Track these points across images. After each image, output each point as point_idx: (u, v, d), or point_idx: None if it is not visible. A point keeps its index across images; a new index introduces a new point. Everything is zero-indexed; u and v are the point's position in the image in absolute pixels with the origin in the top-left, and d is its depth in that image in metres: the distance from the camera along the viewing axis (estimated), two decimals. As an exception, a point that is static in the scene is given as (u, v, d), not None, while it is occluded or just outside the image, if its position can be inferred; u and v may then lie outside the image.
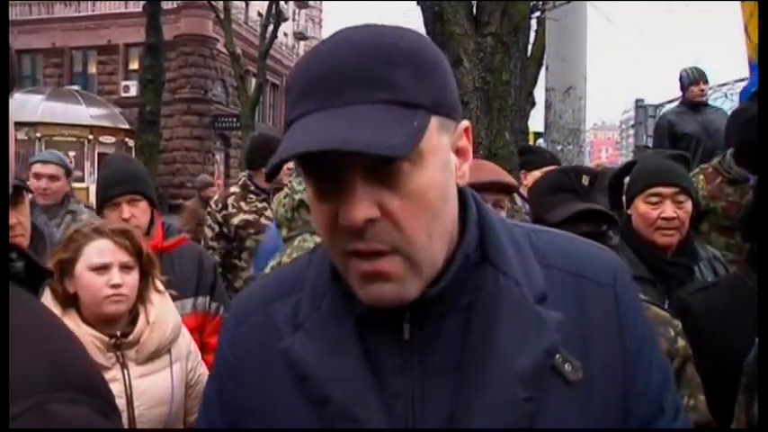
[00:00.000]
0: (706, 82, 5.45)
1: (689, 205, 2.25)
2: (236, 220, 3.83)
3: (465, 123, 0.87)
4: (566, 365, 0.83)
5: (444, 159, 0.82)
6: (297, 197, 2.01)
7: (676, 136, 5.25)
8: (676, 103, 8.45)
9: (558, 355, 0.83)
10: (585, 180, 1.88)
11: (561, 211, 1.81)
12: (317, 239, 1.90)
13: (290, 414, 0.85)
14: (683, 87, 5.45)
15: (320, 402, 0.83)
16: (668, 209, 2.21)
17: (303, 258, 0.99)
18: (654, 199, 2.24)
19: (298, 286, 0.93)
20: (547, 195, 1.89)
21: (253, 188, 3.91)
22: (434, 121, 0.79)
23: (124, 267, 1.93)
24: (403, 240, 0.78)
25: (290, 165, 4.00)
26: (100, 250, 1.91)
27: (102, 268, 1.90)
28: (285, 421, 0.86)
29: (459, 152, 0.85)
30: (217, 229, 3.87)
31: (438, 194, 0.80)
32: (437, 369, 0.84)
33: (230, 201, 3.90)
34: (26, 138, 19.71)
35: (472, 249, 0.87)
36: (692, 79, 5.36)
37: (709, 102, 5.69)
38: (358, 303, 0.84)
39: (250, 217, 3.83)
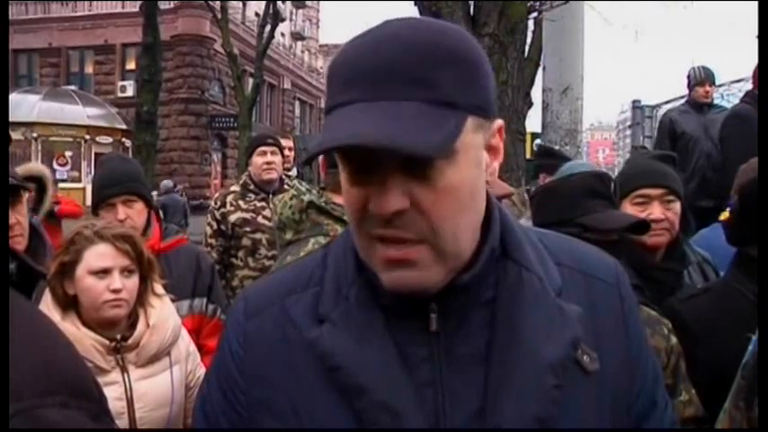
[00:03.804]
0: (712, 84, 5.37)
1: (677, 206, 2.20)
2: (233, 218, 3.85)
3: (499, 122, 0.88)
4: (584, 356, 0.87)
5: (477, 158, 0.84)
6: (306, 198, 1.98)
7: (675, 134, 5.24)
8: (673, 103, 8.45)
9: (579, 347, 0.87)
10: (612, 186, 1.87)
11: (605, 217, 1.78)
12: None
13: (318, 407, 0.85)
14: (689, 86, 5.43)
15: (354, 393, 0.83)
16: (656, 210, 2.16)
17: (316, 253, 1.00)
18: (641, 200, 2.19)
19: (313, 280, 0.93)
20: (577, 198, 1.83)
21: (252, 187, 3.93)
22: (471, 120, 0.81)
23: (125, 272, 1.93)
24: (430, 231, 0.81)
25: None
26: (101, 255, 1.91)
27: (103, 272, 1.90)
28: (313, 414, 0.85)
29: (490, 150, 0.87)
30: (215, 226, 3.90)
31: (468, 191, 0.83)
32: (463, 360, 0.85)
33: (229, 199, 3.92)
34: (22, 138, 19.62)
35: (496, 244, 0.89)
36: (699, 80, 5.31)
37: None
38: (385, 294, 0.86)
39: (247, 215, 3.85)
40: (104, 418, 0.69)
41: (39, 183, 4.11)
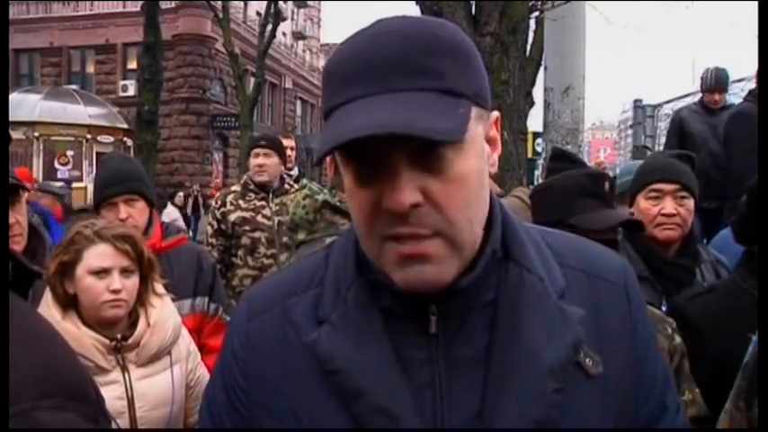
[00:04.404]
0: (722, 92, 5.29)
1: (690, 203, 2.23)
2: (232, 217, 3.89)
3: (496, 114, 0.89)
4: (587, 360, 0.86)
5: (481, 147, 0.84)
6: (320, 198, 1.97)
7: (684, 134, 5.22)
8: (674, 103, 8.43)
9: (580, 350, 0.85)
10: (606, 185, 1.83)
11: (595, 217, 1.75)
12: None
13: (316, 410, 0.84)
14: (702, 88, 5.40)
15: (352, 396, 0.83)
16: (668, 205, 2.19)
17: (318, 254, 0.99)
18: (654, 195, 2.23)
19: (315, 282, 0.92)
20: (569, 198, 1.82)
21: (252, 187, 3.96)
22: (474, 110, 0.82)
23: (124, 272, 1.93)
24: (445, 223, 0.80)
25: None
26: (100, 255, 1.90)
27: (103, 272, 1.90)
28: (312, 417, 0.84)
29: (490, 141, 0.88)
30: (215, 225, 3.94)
31: (476, 180, 0.82)
32: (462, 363, 0.84)
33: (229, 198, 3.96)
34: (24, 137, 19.63)
35: (498, 245, 0.88)
36: (709, 87, 5.27)
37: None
38: (384, 296, 0.86)
39: (246, 214, 3.89)
40: (101, 419, 0.69)
41: None
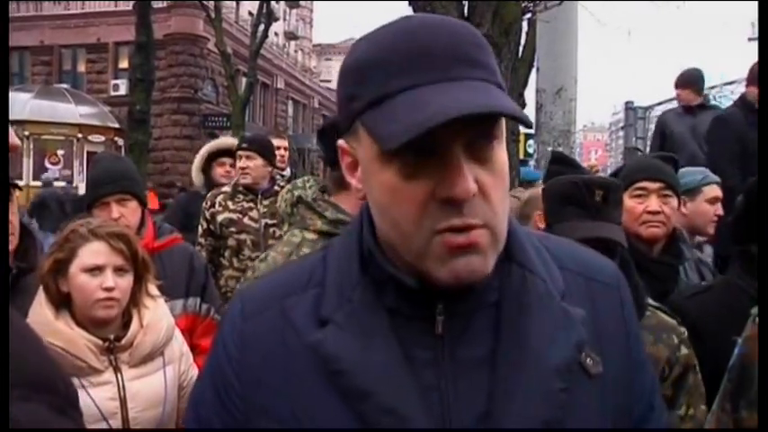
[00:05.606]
0: (690, 86, 5.29)
1: (674, 202, 2.29)
2: (220, 218, 3.90)
3: None
4: (588, 360, 0.87)
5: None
6: (296, 193, 1.99)
7: (665, 135, 5.27)
8: (665, 105, 8.47)
9: (583, 350, 0.87)
10: (599, 195, 1.76)
11: (568, 229, 1.73)
12: (306, 235, 1.89)
13: (318, 410, 0.83)
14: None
15: (359, 397, 0.82)
16: (653, 202, 2.24)
17: (315, 254, 0.98)
18: (639, 193, 2.28)
19: (313, 282, 0.90)
20: (554, 205, 1.83)
21: (241, 188, 3.94)
22: None
23: (118, 270, 1.92)
24: (491, 214, 0.81)
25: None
26: (94, 253, 1.90)
27: (96, 270, 1.89)
28: (313, 418, 0.83)
29: None
30: (205, 225, 3.95)
31: (508, 173, 0.85)
32: (468, 363, 0.85)
33: (218, 199, 3.96)
34: (14, 136, 19.50)
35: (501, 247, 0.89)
36: (677, 83, 5.33)
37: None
38: (389, 295, 0.86)
39: (234, 216, 3.89)
40: (70, 411, 0.68)
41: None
